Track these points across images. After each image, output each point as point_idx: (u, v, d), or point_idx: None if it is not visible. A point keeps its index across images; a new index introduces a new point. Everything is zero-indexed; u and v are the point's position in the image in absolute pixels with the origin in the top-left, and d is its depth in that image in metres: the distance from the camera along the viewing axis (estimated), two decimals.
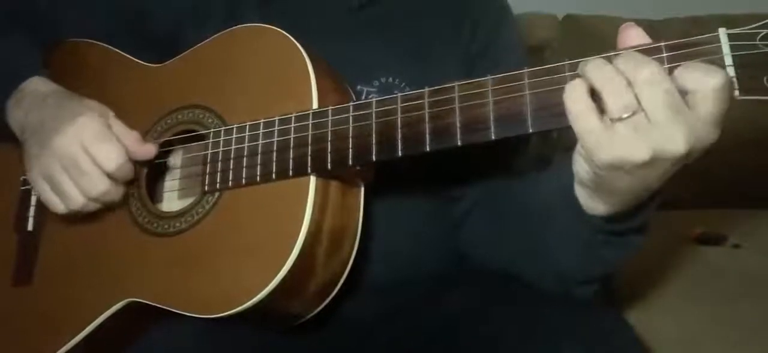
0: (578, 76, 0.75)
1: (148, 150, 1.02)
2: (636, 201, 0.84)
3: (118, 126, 1.01)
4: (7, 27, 1.14)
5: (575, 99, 0.74)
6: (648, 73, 0.71)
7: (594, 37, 2.10)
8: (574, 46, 2.12)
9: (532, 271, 1.02)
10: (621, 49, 0.76)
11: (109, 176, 0.98)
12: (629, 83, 0.71)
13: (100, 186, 0.98)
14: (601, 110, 0.73)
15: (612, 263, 0.95)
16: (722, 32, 0.72)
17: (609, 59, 0.74)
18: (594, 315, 0.95)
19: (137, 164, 1.02)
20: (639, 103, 0.71)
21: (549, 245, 0.98)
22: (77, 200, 0.98)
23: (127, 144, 1.00)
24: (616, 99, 0.71)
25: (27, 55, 1.11)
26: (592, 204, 0.87)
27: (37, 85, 1.07)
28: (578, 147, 0.79)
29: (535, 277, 1.02)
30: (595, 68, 0.73)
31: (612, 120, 0.72)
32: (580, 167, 0.82)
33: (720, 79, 0.69)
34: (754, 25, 0.71)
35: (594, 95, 0.73)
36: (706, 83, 0.70)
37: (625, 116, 0.71)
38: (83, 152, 0.96)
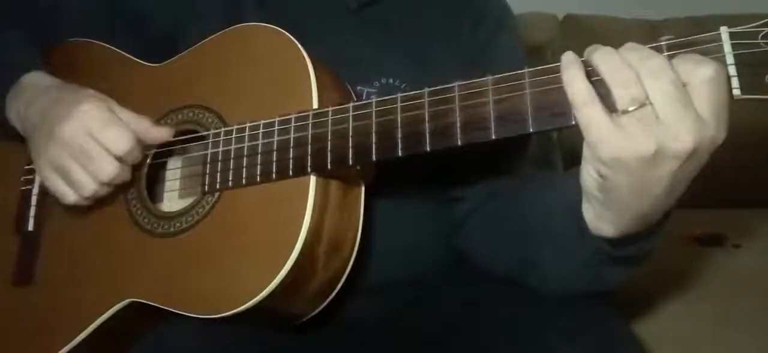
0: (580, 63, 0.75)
1: (162, 133, 1.02)
2: (642, 221, 0.82)
3: (125, 112, 1.01)
4: (8, 24, 1.14)
5: (577, 89, 0.73)
6: (654, 65, 0.70)
7: (594, 37, 2.09)
8: (574, 46, 2.10)
9: (530, 279, 1.01)
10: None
11: (119, 159, 0.98)
12: (637, 75, 0.71)
13: (111, 170, 0.97)
14: (603, 100, 0.72)
15: (608, 283, 0.95)
16: (724, 30, 0.72)
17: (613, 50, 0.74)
18: (595, 317, 0.95)
19: (142, 153, 1.02)
20: (646, 95, 0.71)
21: (547, 259, 0.97)
22: (89, 187, 0.98)
23: (141, 129, 1.00)
24: (624, 91, 0.71)
25: (27, 51, 1.11)
26: (599, 224, 0.85)
27: (36, 78, 1.07)
28: (584, 150, 0.77)
29: (533, 284, 1.01)
30: (603, 59, 0.73)
31: (619, 112, 0.72)
32: (586, 174, 0.80)
33: (710, 69, 0.69)
34: (755, 24, 0.71)
35: (597, 82, 0.73)
36: (697, 74, 0.70)
37: (632, 108, 0.71)
38: (90, 139, 0.96)
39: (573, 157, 0.82)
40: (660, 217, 0.83)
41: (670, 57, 0.72)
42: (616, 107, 0.72)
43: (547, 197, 0.96)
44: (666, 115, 0.70)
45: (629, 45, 0.73)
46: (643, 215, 0.81)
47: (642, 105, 0.71)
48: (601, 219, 0.84)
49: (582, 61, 0.75)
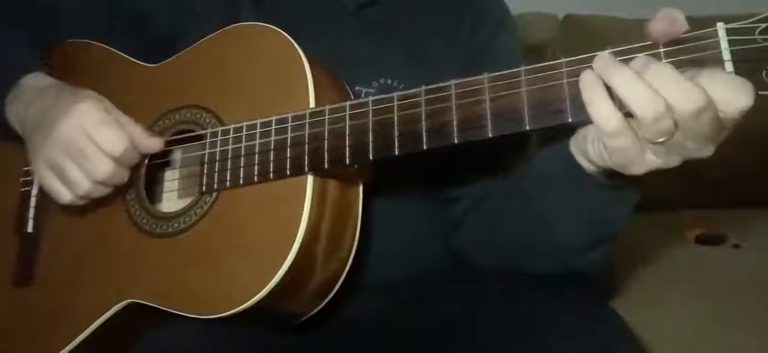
0: (595, 78, 0.74)
1: (154, 143, 1.01)
2: None
3: (119, 115, 1.01)
4: (7, 24, 1.14)
5: (609, 119, 0.73)
6: (694, 106, 0.69)
7: (594, 37, 2.11)
8: (574, 46, 2.12)
9: (532, 253, 1.02)
10: (619, 47, 0.76)
11: (114, 159, 0.98)
12: (668, 107, 0.70)
13: (106, 168, 0.97)
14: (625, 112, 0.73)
15: (612, 222, 0.94)
16: (720, 27, 0.72)
17: (640, 75, 0.72)
18: (593, 316, 0.95)
19: (138, 156, 1.02)
20: (676, 126, 0.71)
21: (548, 216, 0.96)
22: (84, 185, 0.98)
23: (134, 135, 1.00)
24: (655, 126, 0.71)
25: (26, 52, 1.11)
26: (594, 168, 0.86)
27: (35, 80, 1.07)
28: (598, 146, 0.79)
29: (535, 260, 1.02)
30: (629, 88, 0.72)
31: (648, 142, 0.73)
32: (594, 152, 0.82)
33: (750, 98, 0.70)
34: (752, 19, 0.71)
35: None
36: (737, 104, 0.70)
37: (661, 140, 0.72)
38: (86, 137, 0.96)
39: None
40: None
41: (675, 60, 0.73)
42: (647, 139, 0.72)
43: (539, 160, 0.97)
44: (696, 140, 0.72)
45: (654, 67, 0.72)
46: None
47: (671, 136, 0.72)
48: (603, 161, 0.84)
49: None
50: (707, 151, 0.73)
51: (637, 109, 0.71)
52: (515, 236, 1.04)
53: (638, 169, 0.74)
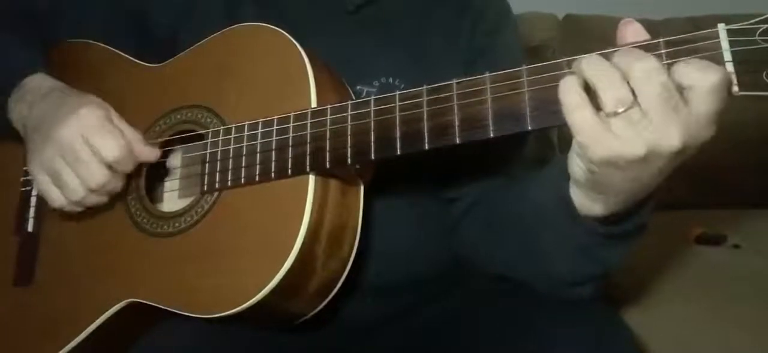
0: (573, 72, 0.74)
1: (150, 152, 1.01)
2: (632, 200, 0.82)
3: (121, 122, 1.01)
4: (7, 25, 1.14)
5: (568, 91, 0.73)
6: (644, 68, 0.70)
7: (594, 37, 2.10)
8: (574, 46, 2.12)
9: (526, 273, 1.01)
10: (619, 46, 0.76)
11: (109, 166, 0.97)
12: (625, 78, 0.71)
13: (100, 176, 0.97)
14: (597, 106, 0.72)
15: (607, 264, 0.94)
16: (721, 27, 0.71)
17: (606, 56, 0.73)
18: (592, 315, 0.95)
19: (135, 164, 1.02)
20: (635, 97, 0.70)
21: (542, 249, 0.96)
22: (77, 192, 0.97)
23: (131, 141, 0.99)
24: (610, 93, 0.70)
25: (28, 52, 1.11)
26: (588, 204, 0.85)
27: (39, 81, 1.07)
28: (573, 145, 0.78)
29: (529, 278, 1.01)
30: (590, 64, 0.72)
31: (607, 115, 0.71)
32: (575, 165, 0.80)
33: (716, 77, 0.68)
34: (753, 21, 0.70)
35: (590, 91, 0.73)
36: (702, 81, 0.69)
37: (620, 110, 0.70)
38: (84, 143, 0.96)
39: None
40: (650, 192, 0.83)
41: (671, 61, 0.72)
42: (604, 109, 0.71)
43: (536, 190, 0.96)
44: (656, 117, 0.70)
45: (621, 49, 0.73)
46: (633, 196, 0.81)
47: (630, 107, 0.70)
48: (588, 199, 0.84)
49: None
50: (673, 138, 0.70)
51: (590, 74, 0.72)
52: (510, 254, 1.04)
53: (600, 150, 0.72)
